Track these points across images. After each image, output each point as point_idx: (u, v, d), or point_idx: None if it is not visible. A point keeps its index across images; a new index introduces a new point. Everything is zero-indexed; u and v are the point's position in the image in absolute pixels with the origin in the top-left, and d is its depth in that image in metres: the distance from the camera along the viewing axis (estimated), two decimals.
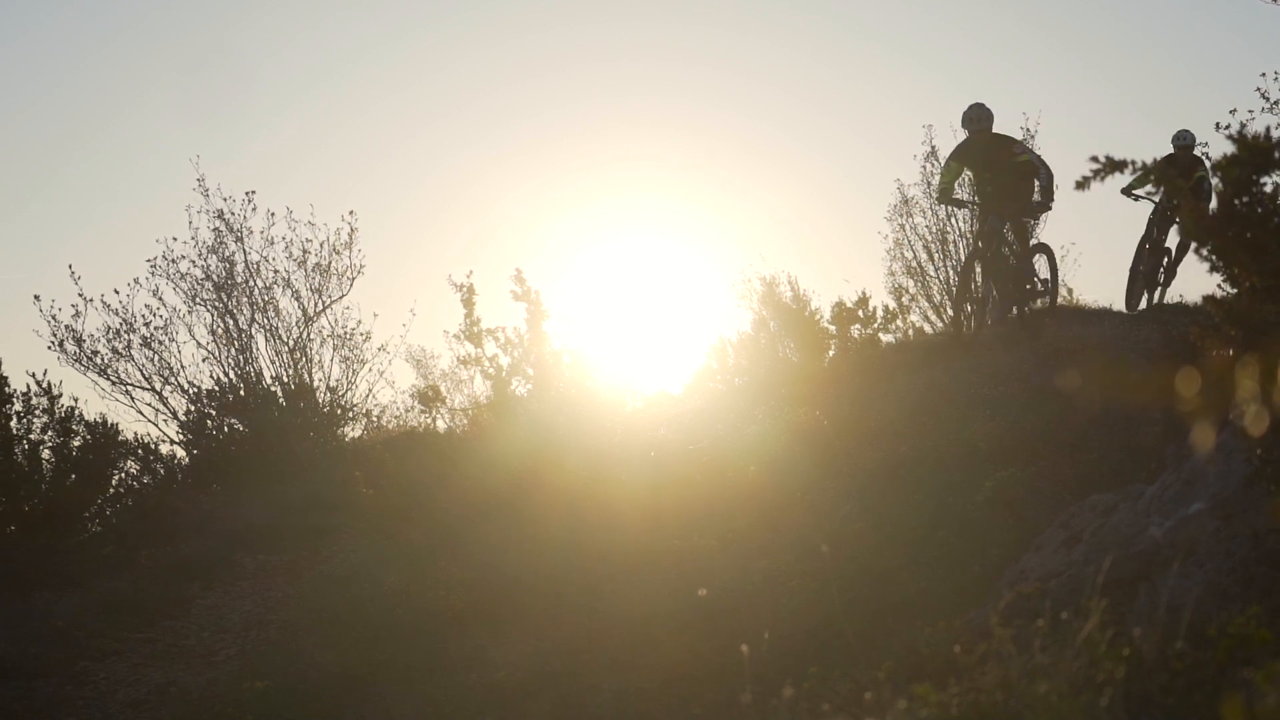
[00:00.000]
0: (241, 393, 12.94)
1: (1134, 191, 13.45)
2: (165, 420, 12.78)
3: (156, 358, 12.76)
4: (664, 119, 28.73)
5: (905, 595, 5.76)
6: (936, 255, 15.24)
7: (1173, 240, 13.88)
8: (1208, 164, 13.21)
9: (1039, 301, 11.74)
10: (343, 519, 9.93)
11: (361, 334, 13.28)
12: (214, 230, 13.11)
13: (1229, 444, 4.60)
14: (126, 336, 12.68)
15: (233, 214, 13.13)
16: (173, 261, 12.96)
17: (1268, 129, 3.79)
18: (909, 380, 9.86)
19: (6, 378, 10.98)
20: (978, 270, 11.63)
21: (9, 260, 25.90)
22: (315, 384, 13.18)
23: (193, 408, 12.83)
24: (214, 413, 12.84)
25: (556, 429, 8.72)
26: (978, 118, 11.38)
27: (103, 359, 12.63)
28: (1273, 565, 4.15)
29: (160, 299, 12.85)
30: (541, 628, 6.79)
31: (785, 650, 5.40)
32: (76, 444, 11.15)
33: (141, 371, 12.74)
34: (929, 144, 15.20)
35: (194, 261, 13.03)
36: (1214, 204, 3.82)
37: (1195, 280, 26.48)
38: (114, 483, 11.51)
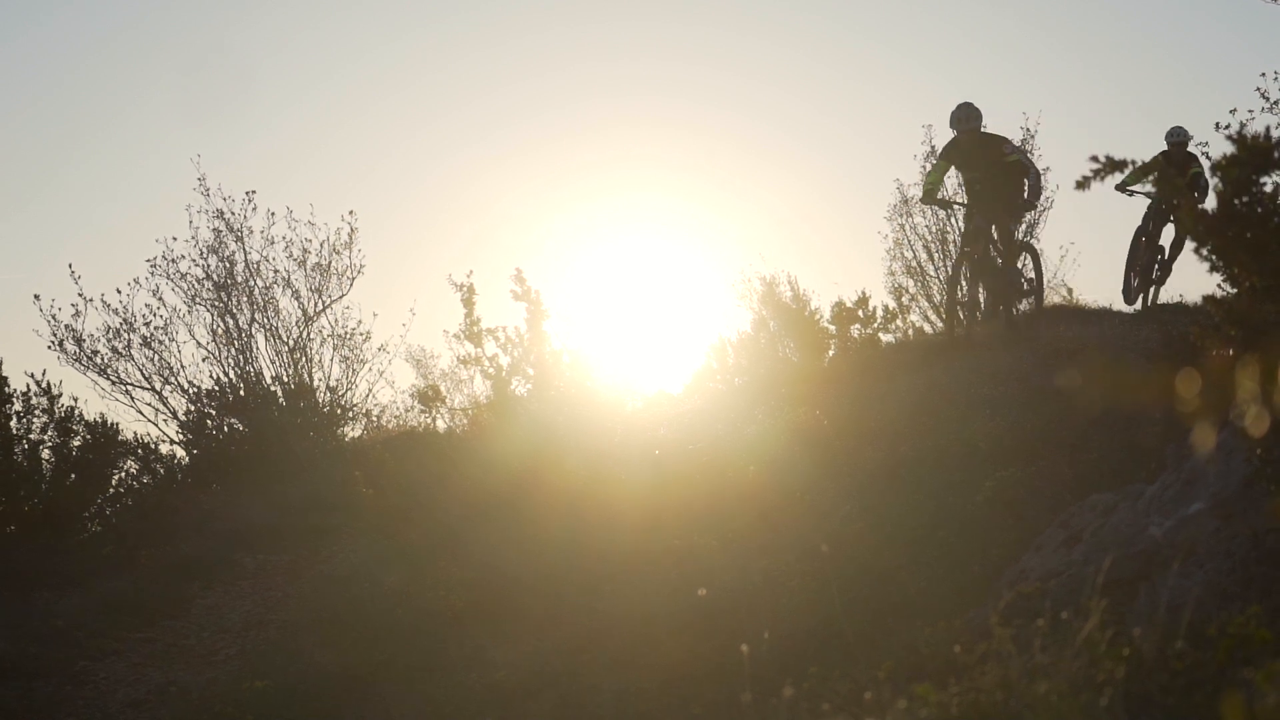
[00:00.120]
0: (241, 393, 12.94)
1: (1129, 188, 13.43)
2: (165, 420, 12.79)
3: (156, 357, 12.77)
4: (664, 119, 28.75)
5: (905, 595, 5.76)
6: (936, 255, 15.25)
7: (1166, 238, 13.87)
8: (1204, 161, 13.22)
9: (1026, 303, 11.70)
10: (343, 519, 9.93)
11: (361, 334, 13.30)
12: (214, 230, 13.12)
13: (1229, 444, 4.60)
14: (126, 336, 12.69)
15: (233, 214, 13.15)
16: (173, 261, 12.97)
17: (1267, 129, 3.79)
18: (909, 380, 9.86)
19: (6, 378, 10.98)
20: (965, 272, 11.52)
21: (9, 260, 25.90)
22: (315, 384, 13.19)
23: (193, 408, 12.83)
24: (214, 413, 12.84)
25: (556, 429, 8.72)
26: (966, 117, 11.30)
27: (103, 359, 12.64)
28: (1273, 565, 4.15)
29: (160, 299, 12.87)
30: (541, 628, 6.79)
31: (785, 650, 5.40)
32: (76, 444, 11.16)
33: (141, 371, 12.75)
34: (929, 144, 15.21)
35: (195, 261, 13.05)
36: (1212, 201, 3.82)
37: (1195, 280, 26.48)
38: (114, 483, 11.51)
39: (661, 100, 29.72)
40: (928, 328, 14.62)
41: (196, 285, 13.00)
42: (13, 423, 10.88)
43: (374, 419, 13.42)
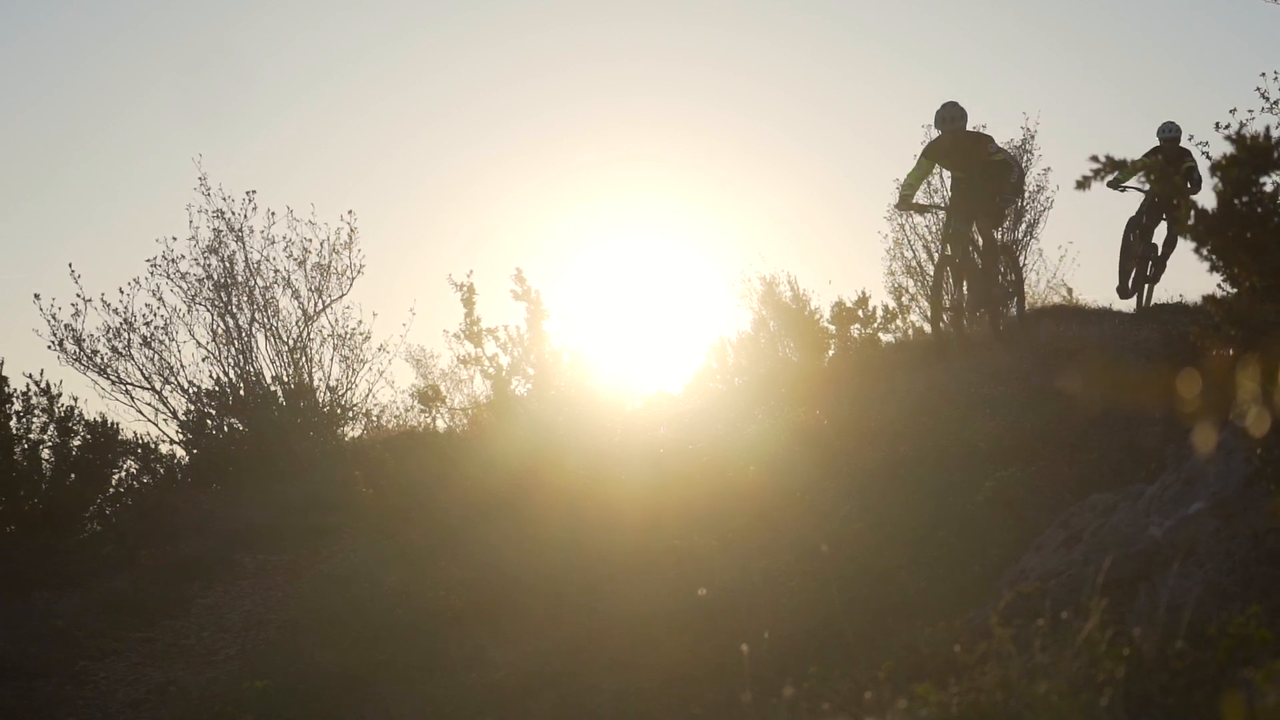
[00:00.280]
0: (241, 392, 12.94)
1: (1123, 184, 13.41)
2: (165, 420, 12.80)
3: (156, 357, 12.77)
4: (664, 119, 28.75)
5: (905, 595, 5.76)
6: (936, 255, 15.24)
7: (1159, 235, 13.85)
8: (1199, 156, 13.21)
9: (1011, 306, 11.63)
10: (342, 519, 9.93)
11: (361, 334, 13.30)
12: (214, 230, 13.12)
13: (1229, 444, 4.60)
14: (126, 336, 12.70)
15: (233, 213, 13.15)
16: (173, 261, 12.97)
17: (1267, 129, 3.79)
18: (909, 380, 9.86)
19: (6, 378, 10.98)
20: (948, 275, 11.37)
21: (9, 260, 25.90)
22: (315, 384, 13.19)
23: (193, 407, 12.84)
24: (214, 412, 12.85)
25: (556, 429, 8.73)
26: (951, 117, 11.19)
27: (102, 358, 12.65)
28: (1273, 565, 4.16)
29: (160, 299, 12.87)
30: (541, 627, 6.79)
31: (785, 650, 5.40)
32: (76, 443, 11.15)
33: (141, 371, 12.75)
34: (928, 144, 15.19)
35: (197, 260, 13.05)
36: (1212, 201, 3.82)
37: (1195, 280, 26.49)
38: (114, 482, 11.50)
39: (661, 100, 29.74)
40: (927, 327, 14.62)
41: (196, 285, 13.02)
42: (12, 422, 10.87)
43: (374, 419, 13.44)
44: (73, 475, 11.01)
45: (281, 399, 13.03)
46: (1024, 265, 16.16)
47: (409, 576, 7.84)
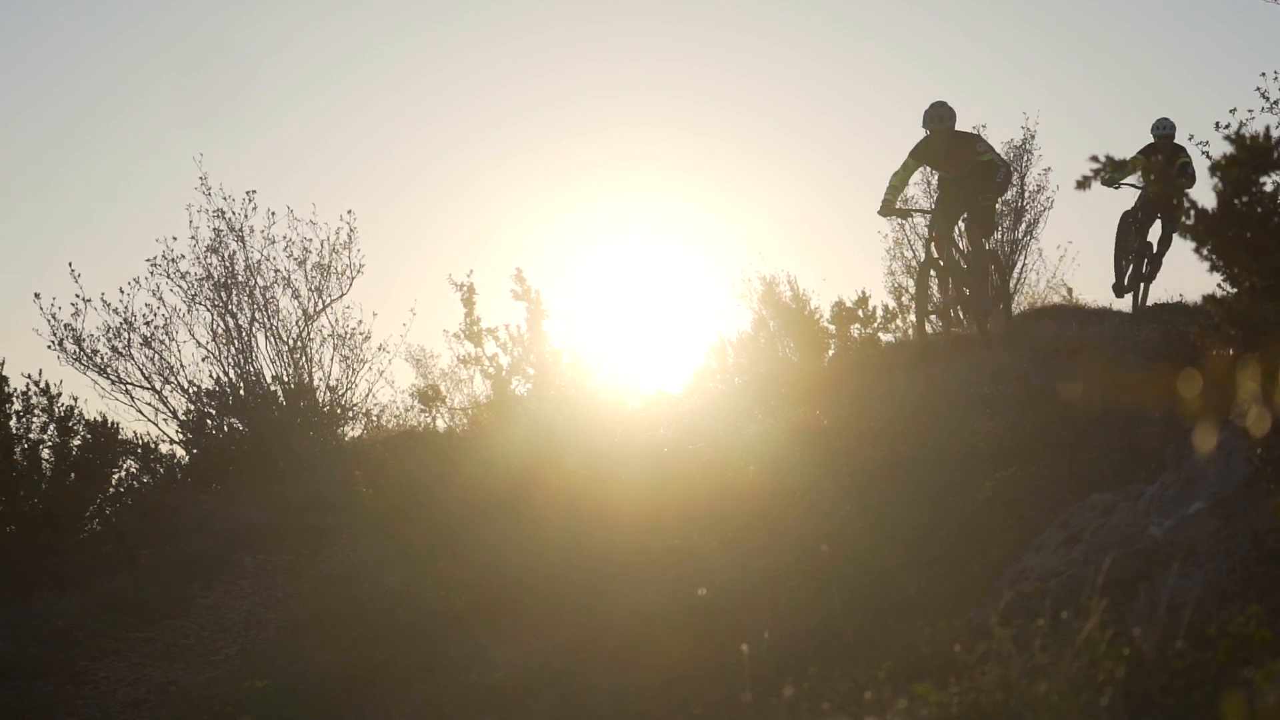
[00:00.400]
0: (241, 392, 12.94)
1: (1119, 182, 13.37)
2: (165, 420, 12.79)
3: (156, 357, 12.77)
4: (664, 119, 28.75)
5: (905, 595, 5.76)
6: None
7: (1154, 235, 13.82)
8: (1195, 151, 13.21)
9: (1001, 307, 11.54)
10: (342, 519, 9.93)
11: (361, 333, 13.30)
12: (214, 230, 13.12)
13: (1229, 444, 4.60)
14: (126, 335, 12.69)
15: (233, 213, 13.15)
16: (173, 261, 12.97)
17: (1267, 129, 3.79)
18: (909, 380, 9.86)
19: (7, 378, 10.98)
20: (933, 278, 11.23)
21: (9, 260, 25.89)
22: (315, 383, 13.19)
23: (193, 407, 12.83)
24: (214, 412, 12.84)
25: (556, 429, 8.73)
26: (940, 116, 11.07)
27: (102, 358, 12.64)
28: (1273, 565, 4.16)
29: (160, 298, 12.87)
30: (541, 627, 6.79)
31: (785, 650, 5.40)
32: (76, 443, 11.15)
33: (141, 371, 12.75)
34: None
35: (198, 259, 13.04)
36: (1212, 200, 3.82)
37: (1195, 280, 26.49)
38: (114, 482, 11.49)
39: (661, 100, 29.73)
40: (927, 327, 14.61)
41: (196, 285, 13.02)
42: (12, 422, 10.87)
43: (374, 419, 13.43)
44: (73, 475, 11.01)
45: (281, 399, 13.03)
46: (1024, 265, 16.19)
47: (409, 576, 7.84)
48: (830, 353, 12.01)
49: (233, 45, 28.25)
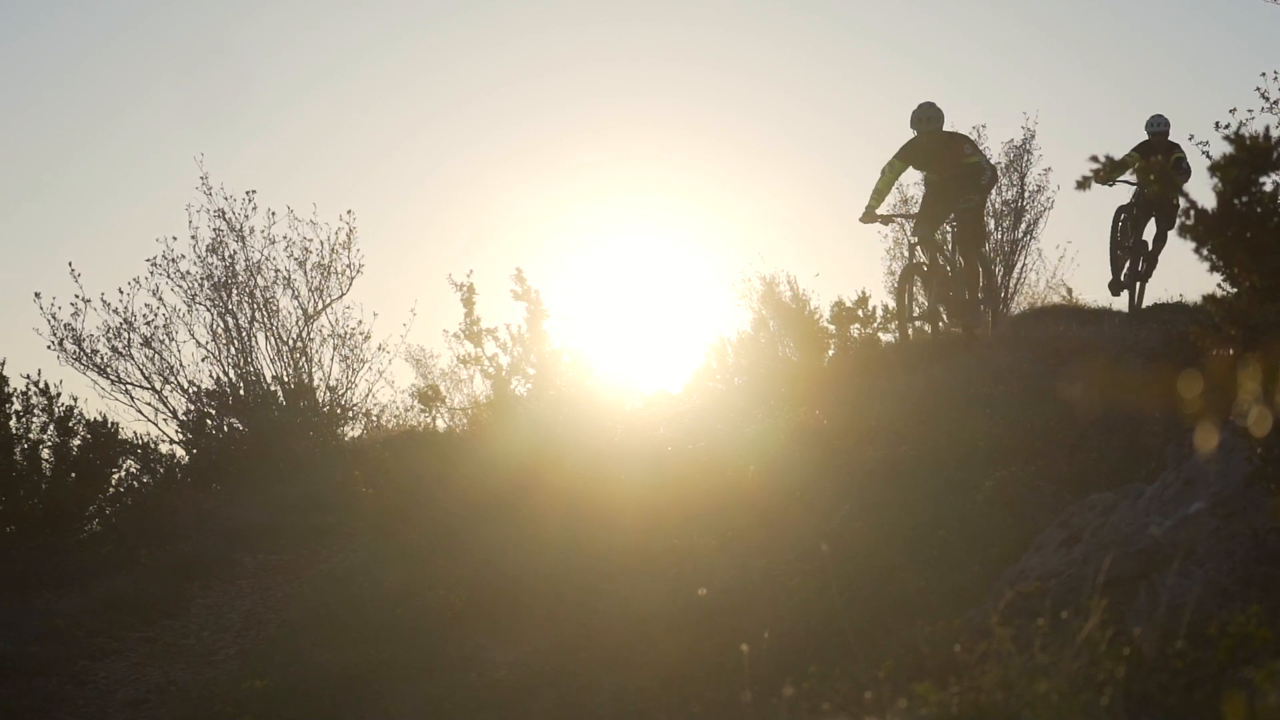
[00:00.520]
0: (241, 392, 12.94)
1: (1115, 180, 13.32)
2: (165, 420, 12.79)
3: (156, 357, 12.77)
4: (664, 119, 28.75)
5: (905, 594, 5.76)
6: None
7: (1148, 233, 13.79)
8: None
9: (989, 314, 11.43)
10: (342, 518, 9.93)
11: (361, 333, 13.30)
12: (214, 230, 13.13)
13: (1229, 443, 4.60)
14: (126, 336, 12.69)
15: (233, 213, 13.15)
16: (173, 261, 12.97)
17: (1266, 129, 3.79)
18: (909, 380, 9.86)
19: (7, 378, 10.98)
20: (916, 283, 11.08)
21: (9, 260, 25.89)
22: (315, 383, 13.19)
23: (192, 407, 12.83)
24: (214, 412, 12.84)
25: (556, 429, 8.73)
26: (929, 117, 10.99)
27: (102, 358, 12.64)
28: (1273, 564, 4.16)
29: (160, 298, 12.87)
30: (541, 627, 6.79)
31: (785, 649, 5.40)
32: (76, 443, 11.14)
33: (141, 371, 12.75)
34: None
35: (200, 258, 13.04)
36: (1212, 200, 3.82)
37: (1195, 280, 26.48)
38: (114, 482, 11.49)
39: (661, 100, 29.72)
40: (927, 327, 14.62)
41: (196, 285, 13.02)
42: (12, 422, 10.87)
43: (374, 419, 13.43)
44: (73, 475, 11.00)
45: (281, 399, 13.03)
46: (1024, 265, 16.19)
47: (408, 576, 7.84)
48: (830, 353, 12.00)
49: (233, 45, 28.26)
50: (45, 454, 11.02)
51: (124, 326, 12.68)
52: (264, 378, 13.07)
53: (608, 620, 6.59)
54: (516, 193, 29.03)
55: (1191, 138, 17.35)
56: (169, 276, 12.94)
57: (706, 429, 9.84)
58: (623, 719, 5.68)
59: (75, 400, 11.27)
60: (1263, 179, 3.75)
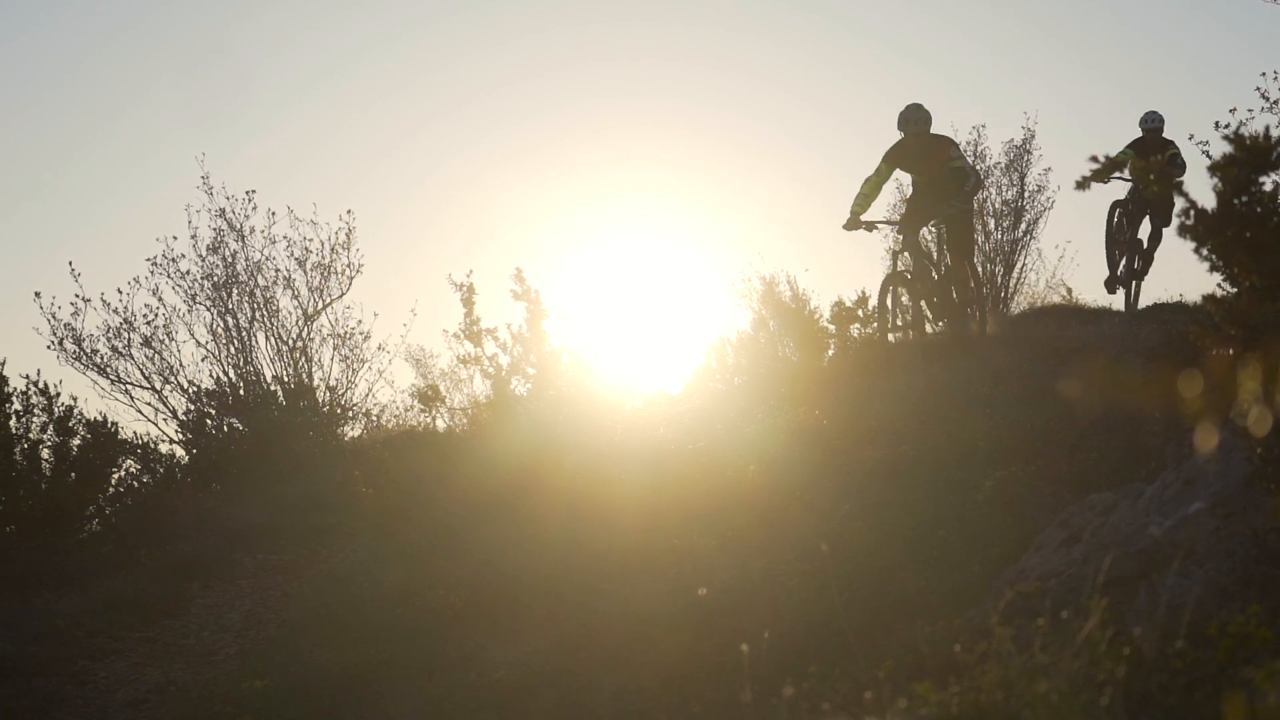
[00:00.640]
0: (241, 392, 12.94)
1: (1109, 177, 13.27)
2: (165, 419, 12.79)
3: (156, 357, 12.76)
4: (664, 119, 28.72)
5: (905, 594, 5.76)
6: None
7: (1143, 231, 13.77)
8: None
9: (976, 318, 11.31)
10: (342, 518, 9.93)
11: (361, 333, 13.29)
12: (214, 229, 13.13)
13: (1229, 443, 4.60)
14: (126, 335, 12.69)
15: (234, 213, 13.15)
16: (173, 260, 12.97)
17: (1266, 128, 3.79)
18: (909, 380, 9.86)
19: (6, 378, 10.98)
20: (899, 289, 10.85)
21: (9, 260, 25.89)
22: (315, 383, 13.19)
23: (192, 407, 12.83)
24: (213, 412, 12.84)
25: (556, 428, 8.73)
26: (916, 119, 10.89)
27: (102, 358, 12.64)
28: (1273, 564, 4.16)
29: (160, 298, 12.86)
30: (541, 627, 6.79)
31: (785, 649, 5.40)
32: (76, 443, 11.15)
33: (141, 370, 12.74)
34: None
35: (201, 257, 13.04)
36: (1211, 200, 3.82)
37: (1195, 280, 26.48)
38: (114, 482, 11.49)
39: (661, 100, 29.70)
40: (928, 327, 14.60)
41: (196, 285, 13.01)
42: (12, 422, 10.87)
43: (373, 418, 13.43)
44: (72, 475, 11.01)
45: (281, 399, 13.02)
46: (1023, 265, 16.18)
47: (408, 576, 7.84)
48: (830, 353, 12.00)
49: (233, 45, 28.24)
50: (45, 454, 11.03)
51: (124, 326, 12.68)
52: (264, 378, 13.07)
53: (608, 620, 6.59)
54: (516, 193, 29.03)
55: (1191, 137, 17.37)
56: (169, 276, 12.94)
57: (706, 429, 9.84)
58: (623, 719, 5.68)
59: (75, 400, 11.29)
60: (1262, 179, 3.75)
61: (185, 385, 12.82)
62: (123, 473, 11.66)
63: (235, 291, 13.07)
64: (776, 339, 13.78)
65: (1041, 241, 19.35)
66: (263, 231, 13.15)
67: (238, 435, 12.78)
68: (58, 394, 11.18)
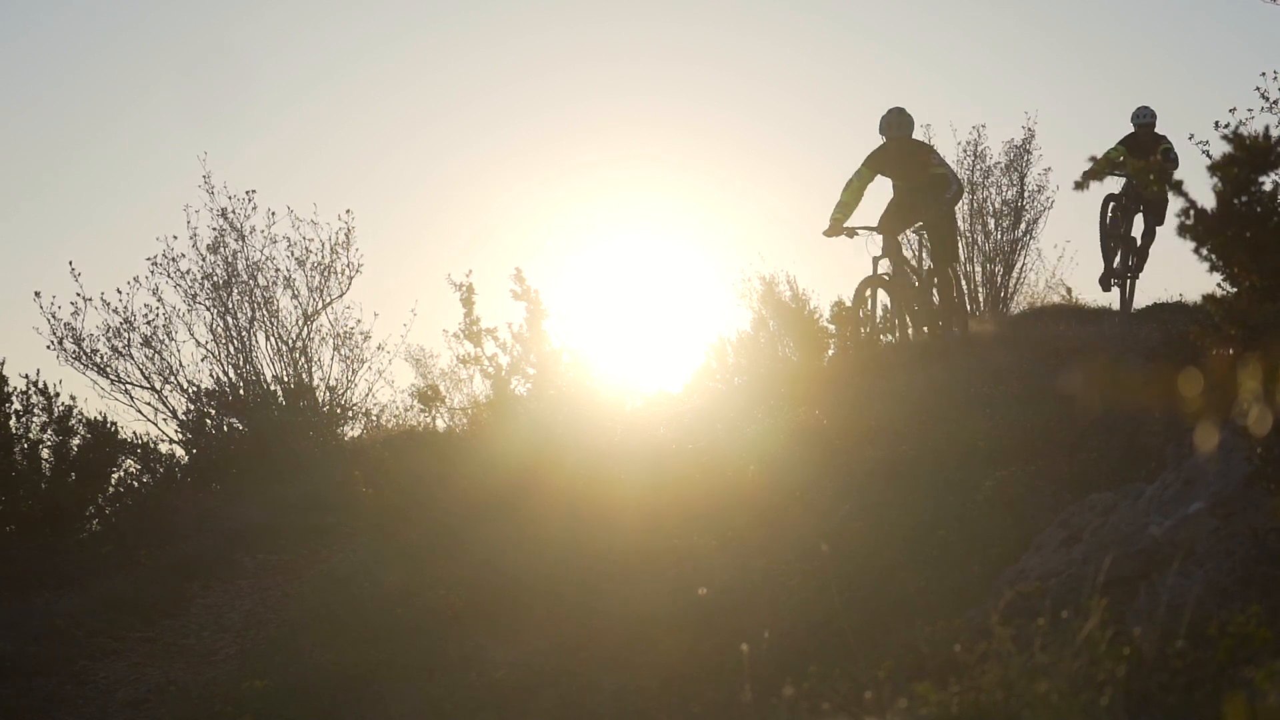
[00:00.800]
0: (241, 392, 12.94)
1: (1104, 175, 13.23)
2: (165, 419, 12.79)
3: (156, 357, 12.76)
4: (664, 119, 28.72)
5: (905, 594, 5.76)
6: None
7: (1136, 229, 13.74)
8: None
9: (957, 323, 11.23)
10: (342, 518, 9.93)
11: (361, 333, 13.29)
12: (214, 229, 13.13)
13: (1229, 443, 4.60)
14: (126, 335, 12.69)
15: (234, 213, 13.15)
16: (173, 260, 12.97)
17: (1266, 128, 3.79)
18: (909, 380, 9.86)
19: (6, 378, 10.98)
20: (877, 295, 10.69)
21: (9, 260, 25.90)
22: (315, 383, 13.19)
23: (192, 407, 12.83)
24: (213, 412, 12.84)
25: (556, 428, 8.72)
26: (898, 123, 10.83)
27: (102, 357, 12.64)
28: (1273, 564, 4.16)
29: (160, 298, 12.86)
30: (541, 627, 6.79)
31: (785, 649, 5.40)
32: (76, 443, 11.15)
33: (141, 370, 12.74)
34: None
35: (201, 257, 13.04)
36: (1211, 200, 3.82)
37: (1195, 280, 26.47)
38: (114, 482, 11.50)
39: (661, 100, 29.70)
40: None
41: (195, 285, 13.01)
42: (12, 422, 10.87)
43: (373, 418, 13.43)
44: (72, 475, 11.01)
45: (281, 399, 13.02)
46: (1023, 265, 16.17)
47: (408, 576, 7.84)
48: (830, 352, 12.00)
49: (233, 45, 28.24)
50: (45, 454, 11.03)
51: (124, 326, 12.69)
52: (264, 377, 13.07)
53: (608, 620, 6.59)
54: (516, 193, 29.03)
55: (1191, 137, 17.34)
56: (169, 276, 12.95)
57: (706, 429, 9.84)
58: (623, 719, 5.68)
59: (75, 400, 11.29)
60: (1262, 178, 3.75)
61: (185, 385, 12.83)
62: (123, 473, 11.67)
63: (235, 291, 13.08)
64: (776, 339, 13.78)
65: (1041, 241, 19.36)
66: (263, 231, 13.17)
67: (238, 435, 12.78)
68: (57, 394, 11.19)
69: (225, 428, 12.85)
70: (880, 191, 11.18)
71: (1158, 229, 13.64)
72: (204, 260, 13.04)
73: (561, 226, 25.51)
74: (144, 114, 28.99)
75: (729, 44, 30.95)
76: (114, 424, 11.49)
